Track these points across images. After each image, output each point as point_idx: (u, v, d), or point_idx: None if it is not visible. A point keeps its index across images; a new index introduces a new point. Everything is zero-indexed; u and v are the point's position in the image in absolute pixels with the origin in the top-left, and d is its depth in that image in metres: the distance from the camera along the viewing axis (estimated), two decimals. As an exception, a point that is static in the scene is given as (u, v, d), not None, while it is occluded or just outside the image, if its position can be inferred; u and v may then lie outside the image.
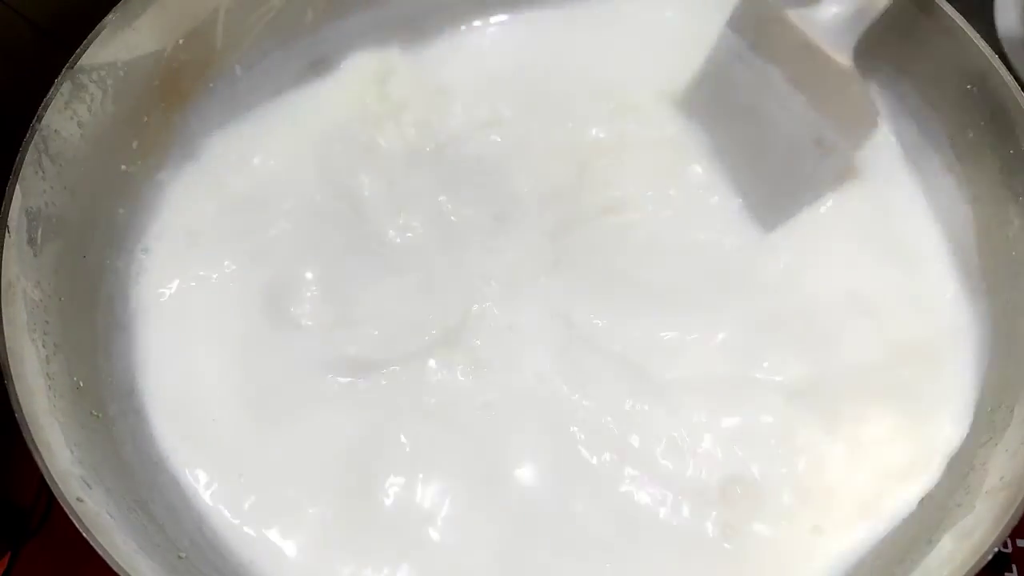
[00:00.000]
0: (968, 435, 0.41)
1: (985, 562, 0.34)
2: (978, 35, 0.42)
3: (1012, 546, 0.48)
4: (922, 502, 0.40)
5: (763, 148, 0.45)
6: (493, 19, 0.51)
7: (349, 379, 0.43)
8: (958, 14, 0.42)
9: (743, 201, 0.46)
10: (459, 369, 0.43)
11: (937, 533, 0.38)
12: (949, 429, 0.42)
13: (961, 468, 0.40)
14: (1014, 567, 0.47)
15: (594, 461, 0.41)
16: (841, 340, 0.44)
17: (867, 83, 0.43)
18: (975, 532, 0.36)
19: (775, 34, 0.43)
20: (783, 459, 0.41)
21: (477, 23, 0.51)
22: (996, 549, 0.34)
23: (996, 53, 0.41)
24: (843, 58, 0.42)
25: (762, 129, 0.45)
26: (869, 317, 0.44)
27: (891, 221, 0.47)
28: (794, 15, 0.42)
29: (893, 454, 0.41)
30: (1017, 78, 0.41)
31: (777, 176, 0.45)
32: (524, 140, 0.48)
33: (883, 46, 0.46)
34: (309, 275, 0.45)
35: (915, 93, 0.46)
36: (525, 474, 0.41)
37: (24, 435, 0.35)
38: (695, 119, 0.47)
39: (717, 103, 0.46)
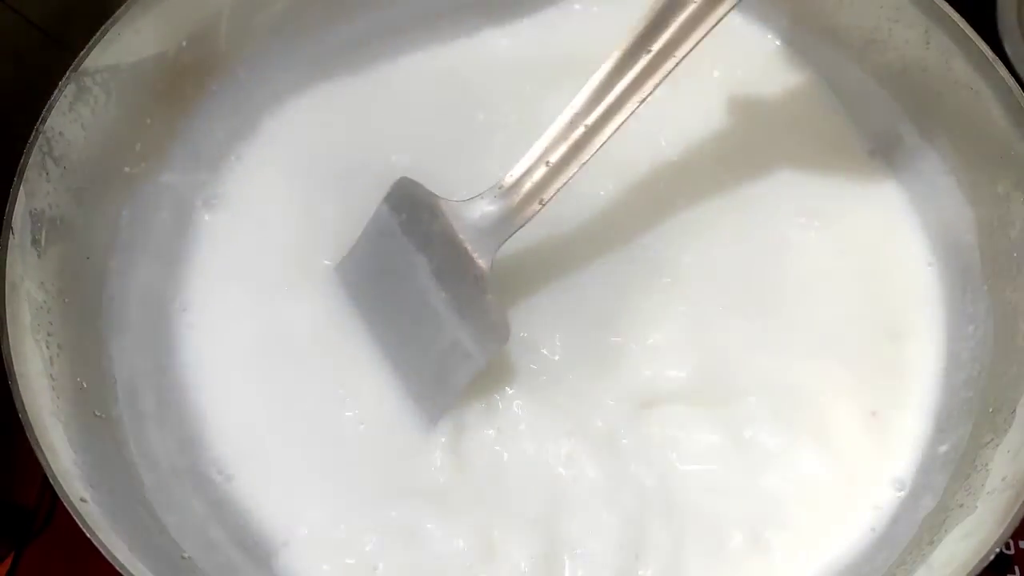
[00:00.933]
0: (969, 436, 0.41)
1: (987, 563, 0.34)
2: (978, 35, 0.42)
3: (1014, 548, 0.47)
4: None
5: (411, 334, 0.42)
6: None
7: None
8: (958, 14, 0.42)
9: (408, 391, 0.43)
10: None
11: (939, 534, 0.38)
12: (947, 429, 0.42)
13: (963, 469, 0.40)
14: (1016, 568, 0.47)
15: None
16: (838, 340, 0.44)
17: (503, 296, 0.41)
18: (977, 533, 0.36)
19: (425, 221, 0.41)
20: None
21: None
22: (998, 551, 0.34)
23: (996, 53, 0.41)
24: (483, 262, 0.40)
25: (410, 319, 0.42)
26: (869, 316, 0.45)
27: (892, 221, 0.47)
28: (445, 206, 0.40)
29: (878, 454, 0.42)
30: (1018, 77, 0.41)
31: (426, 368, 0.42)
32: None
33: (884, 47, 0.46)
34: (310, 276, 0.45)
35: (916, 94, 0.46)
36: None
37: (28, 435, 0.35)
38: (353, 293, 0.45)
39: (372, 281, 0.44)
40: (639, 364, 0.43)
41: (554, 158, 0.39)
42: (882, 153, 0.49)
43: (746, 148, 0.48)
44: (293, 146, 0.49)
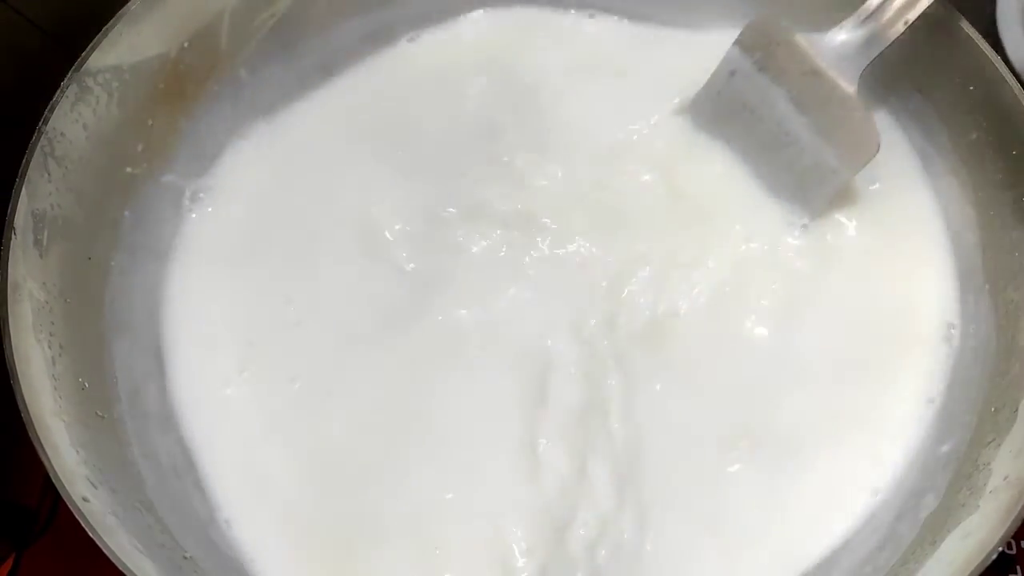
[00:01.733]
0: (971, 435, 0.41)
1: (989, 562, 0.34)
2: (980, 37, 0.42)
3: (1016, 548, 0.47)
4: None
5: (768, 163, 0.46)
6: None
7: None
8: (960, 16, 0.42)
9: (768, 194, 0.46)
10: None
11: (941, 533, 0.38)
12: (949, 428, 0.42)
13: (965, 468, 0.40)
14: (1018, 568, 0.47)
15: None
16: (839, 340, 0.44)
17: (870, 111, 0.44)
18: (979, 532, 0.36)
19: (782, 56, 0.43)
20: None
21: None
22: (1000, 550, 0.34)
23: (998, 54, 0.41)
24: (848, 85, 0.42)
25: (766, 145, 0.46)
26: (870, 316, 0.45)
27: (893, 222, 0.47)
28: (802, 39, 0.43)
29: (879, 453, 0.42)
30: (1020, 79, 0.41)
31: (784, 188, 0.46)
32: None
33: (887, 48, 0.46)
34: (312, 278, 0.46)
35: (918, 95, 0.46)
36: None
37: (30, 435, 0.35)
38: (703, 128, 0.48)
39: (723, 117, 0.47)
40: None
41: None
42: (882, 154, 0.49)
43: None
44: (295, 146, 0.49)
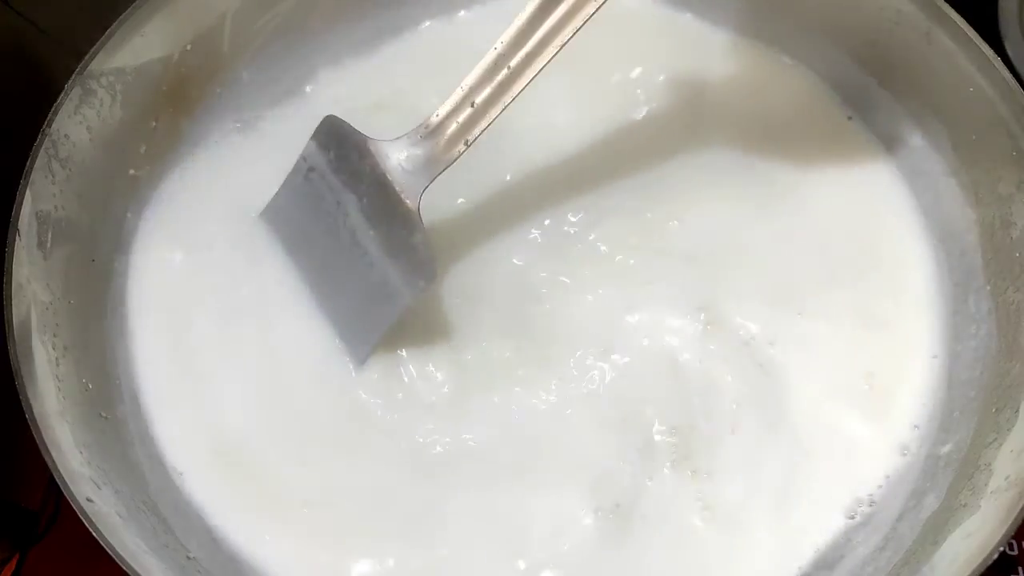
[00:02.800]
0: (972, 435, 0.41)
1: (991, 562, 0.34)
2: (980, 37, 0.42)
3: (1017, 548, 0.47)
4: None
5: (340, 272, 0.43)
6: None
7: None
8: (960, 16, 0.42)
9: (335, 330, 0.43)
10: None
11: (943, 533, 0.38)
12: (951, 428, 0.42)
13: (966, 468, 0.40)
14: (1020, 569, 0.47)
15: None
16: (840, 342, 0.44)
17: (430, 232, 0.41)
18: (980, 532, 0.36)
19: (354, 160, 0.41)
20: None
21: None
22: (1001, 550, 0.34)
23: (998, 53, 0.42)
24: (410, 201, 0.40)
25: (341, 259, 0.42)
26: (871, 316, 0.45)
27: (894, 222, 0.47)
28: (373, 145, 0.41)
29: (880, 453, 0.42)
30: (1018, 78, 0.41)
31: (352, 305, 0.43)
32: None
33: (886, 48, 0.46)
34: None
35: (918, 95, 0.46)
36: None
37: (34, 435, 0.35)
38: (282, 234, 0.45)
39: (302, 221, 0.44)
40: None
41: (479, 99, 0.39)
42: (883, 154, 0.49)
43: (747, 149, 0.49)
44: (298, 148, 0.49)
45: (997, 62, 0.41)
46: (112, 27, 0.41)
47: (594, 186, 0.47)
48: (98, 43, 0.41)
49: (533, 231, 0.46)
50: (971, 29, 0.42)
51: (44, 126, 0.39)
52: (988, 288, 0.43)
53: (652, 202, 0.47)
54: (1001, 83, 0.41)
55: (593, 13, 0.38)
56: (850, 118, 0.49)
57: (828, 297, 0.45)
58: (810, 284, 0.45)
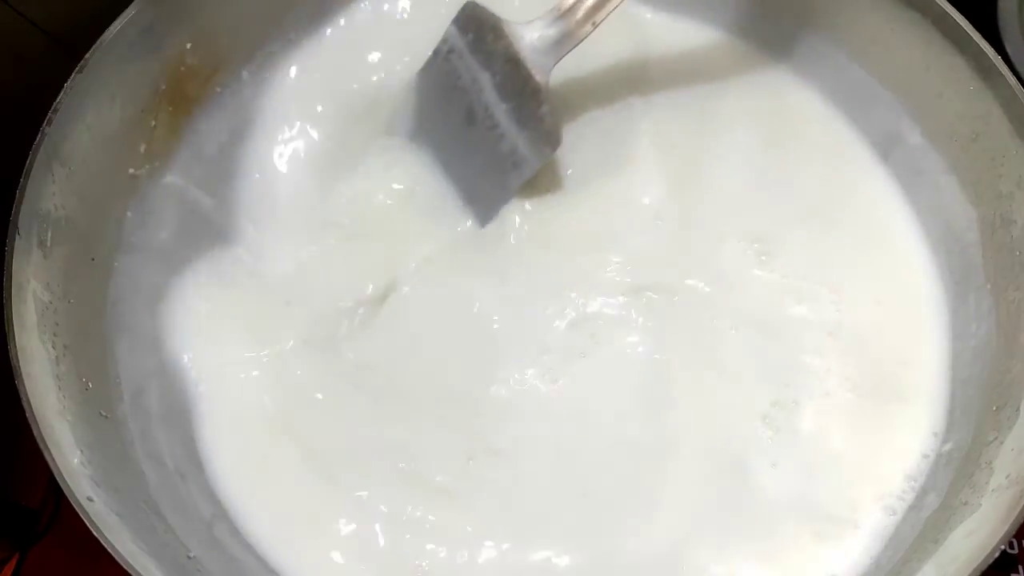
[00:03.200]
0: (973, 434, 0.41)
1: (992, 560, 0.34)
2: (980, 34, 0.42)
3: (1018, 546, 0.47)
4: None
5: (472, 143, 0.47)
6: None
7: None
8: (960, 15, 0.42)
9: (457, 190, 0.48)
10: None
11: (944, 532, 0.38)
12: (951, 427, 0.42)
13: (967, 467, 0.40)
14: (1021, 568, 0.47)
15: None
16: (841, 340, 0.44)
17: (558, 106, 0.45)
18: (981, 531, 0.36)
19: (489, 41, 0.45)
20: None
21: None
22: (1002, 549, 0.34)
23: (997, 51, 0.42)
24: (540, 77, 0.44)
25: (473, 125, 0.46)
26: (872, 315, 0.45)
27: (894, 221, 0.47)
28: (508, 27, 0.44)
29: (881, 451, 0.42)
30: (1018, 76, 0.41)
31: (482, 173, 0.47)
32: None
33: (886, 47, 0.46)
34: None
35: (918, 94, 0.46)
36: None
37: (35, 435, 0.35)
38: (423, 101, 0.49)
39: (442, 86, 0.47)
40: None
41: None
42: (883, 153, 0.49)
43: (746, 149, 0.49)
44: (297, 145, 0.49)
45: (997, 60, 0.41)
46: (111, 26, 0.41)
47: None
48: (97, 42, 0.41)
49: None
50: (971, 27, 0.42)
51: (44, 125, 0.39)
52: (988, 286, 0.43)
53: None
54: (1001, 81, 0.41)
55: None
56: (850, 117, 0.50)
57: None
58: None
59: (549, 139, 0.45)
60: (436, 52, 0.47)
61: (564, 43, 0.44)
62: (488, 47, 0.45)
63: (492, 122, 0.46)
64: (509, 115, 0.45)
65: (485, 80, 0.45)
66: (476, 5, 0.45)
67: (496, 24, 0.45)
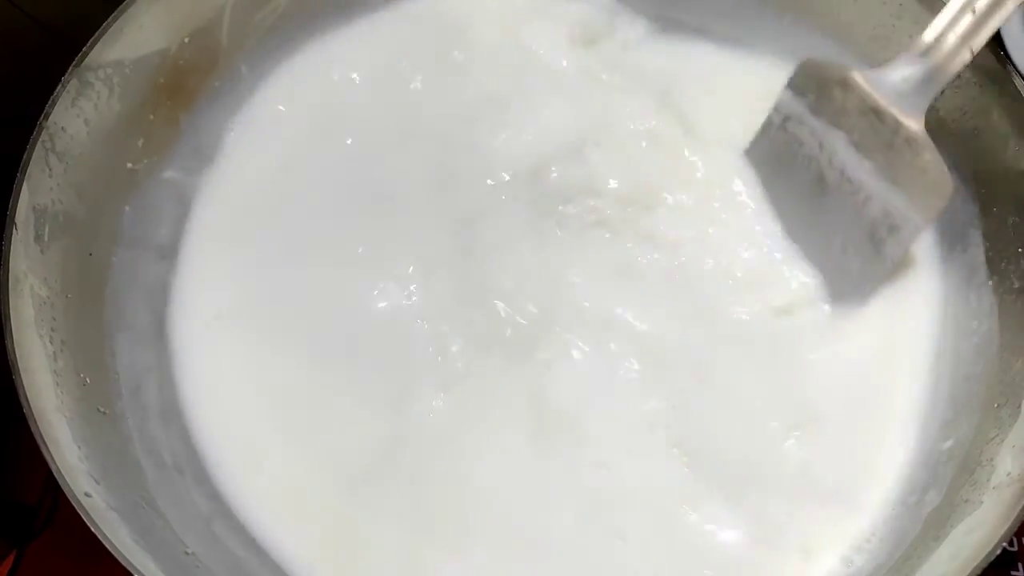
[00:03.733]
0: (974, 431, 0.41)
1: (993, 557, 0.34)
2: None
3: (1018, 544, 0.48)
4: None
5: (829, 215, 0.43)
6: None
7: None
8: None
9: (823, 276, 0.44)
10: None
11: (944, 529, 0.38)
12: (952, 424, 0.42)
13: (968, 464, 0.40)
14: (1020, 566, 0.47)
15: None
16: (843, 338, 0.44)
17: (938, 152, 0.40)
18: (982, 528, 0.36)
19: (838, 96, 0.41)
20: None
21: None
22: (1003, 546, 0.34)
23: (1001, 51, 0.41)
24: (914, 123, 0.40)
25: (827, 195, 0.43)
26: (874, 314, 0.45)
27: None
28: (859, 76, 0.41)
29: (882, 449, 0.42)
30: (1020, 72, 0.41)
31: (845, 248, 0.43)
32: None
33: (887, 43, 0.46)
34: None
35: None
36: None
37: (32, 430, 0.35)
38: (758, 171, 0.46)
39: (780, 160, 0.44)
40: None
41: (980, 5, 0.38)
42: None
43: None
44: (295, 140, 0.49)
45: (999, 56, 0.41)
46: (109, 19, 0.41)
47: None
48: (95, 35, 0.41)
49: None
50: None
51: (41, 119, 0.39)
52: (990, 283, 0.43)
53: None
54: (1003, 78, 0.41)
55: None
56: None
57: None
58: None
59: (939, 188, 0.39)
60: (767, 124, 0.44)
61: (936, 79, 0.39)
62: (836, 104, 0.41)
63: (852, 187, 0.41)
64: (875, 174, 0.40)
65: (837, 140, 0.41)
66: (814, 62, 0.42)
67: (845, 76, 0.41)
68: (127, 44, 0.42)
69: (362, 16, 0.51)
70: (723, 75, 0.49)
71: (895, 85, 0.40)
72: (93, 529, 0.33)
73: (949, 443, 0.42)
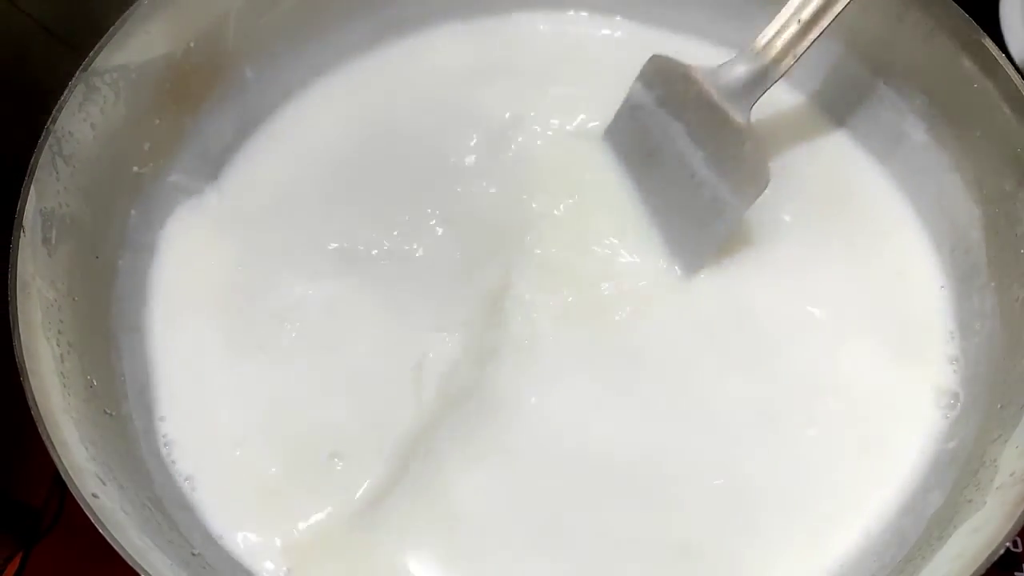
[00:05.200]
0: (977, 431, 0.41)
1: (996, 558, 0.34)
2: (984, 33, 0.42)
3: (1022, 545, 0.47)
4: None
5: (671, 195, 0.46)
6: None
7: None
8: (963, 12, 0.42)
9: (668, 246, 0.46)
10: None
11: (947, 529, 0.38)
12: (955, 425, 0.42)
13: (971, 465, 0.40)
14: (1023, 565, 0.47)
15: None
16: (844, 337, 0.44)
17: (761, 144, 0.44)
18: (985, 529, 0.36)
19: (680, 90, 0.44)
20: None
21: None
22: (1006, 547, 0.34)
23: (1002, 52, 0.42)
24: (740, 117, 0.43)
25: (668, 178, 0.46)
26: (876, 312, 0.45)
27: (897, 219, 0.47)
28: (698, 72, 0.44)
29: (883, 449, 0.42)
30: (1022, 74, 0.41)
31: (684, 223, 0.45)
32: None
33: (889, 45, 0.46)
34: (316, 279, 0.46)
35: (922, 92, 0.46)
36: None
37: (40, 432, 0.35)
38: (616, 152, 0.48)
39: (632, 144, 0.47)
40: None
41: (805, 15, 0.42)
42: (887, 151, 0.49)
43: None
44: (300, 145, 0.49)
45: (1001, 58, 0.41)
46: (116, 25, 0.41)
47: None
48: (102, 40, 0.41)
49: None
50: (975, 25, 0.42)
51: (48, 123, 0.39)
52: (992, 285, 0.43)
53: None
54: (1005, 79, 0.41)
55: None
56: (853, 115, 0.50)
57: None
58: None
59: (755, 179, 0.42)
60: (619, 112, 0.47)
61: (763, 79, 0.43)
62: (679, 97, 0.44)
63: (689, 171, 0.44)
64: (707, 163, 0.43)
65: (677, 131, 0.44)
66: (662, 57, 0.45)
67: (686, 72, 0.44)
68: (133, 49, 0.42)
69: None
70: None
71: (728, 82, 0.43)
72: (100, 530, 0.33)
73: (952, 444, 0.42)
